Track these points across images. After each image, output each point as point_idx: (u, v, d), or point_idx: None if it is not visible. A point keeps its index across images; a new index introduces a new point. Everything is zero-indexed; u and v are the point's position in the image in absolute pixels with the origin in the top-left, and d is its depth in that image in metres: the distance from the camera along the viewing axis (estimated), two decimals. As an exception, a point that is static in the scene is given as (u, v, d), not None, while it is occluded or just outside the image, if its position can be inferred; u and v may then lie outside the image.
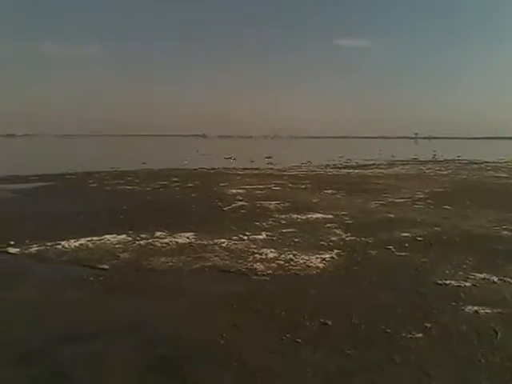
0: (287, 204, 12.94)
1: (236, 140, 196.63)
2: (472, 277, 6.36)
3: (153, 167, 28.02)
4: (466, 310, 5.20)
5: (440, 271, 6.63)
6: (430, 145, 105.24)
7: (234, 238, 8.59)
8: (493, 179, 21.00)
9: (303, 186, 17.71)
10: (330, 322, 4.79)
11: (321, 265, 6.90)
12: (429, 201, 13.73)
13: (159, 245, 8.08)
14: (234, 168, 28.17)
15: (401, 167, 30.11)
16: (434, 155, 43.54)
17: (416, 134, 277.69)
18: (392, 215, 11.19)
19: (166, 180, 19.45)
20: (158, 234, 8.93)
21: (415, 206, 12.89)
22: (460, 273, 6.56)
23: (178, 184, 18.13)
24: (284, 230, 9.34)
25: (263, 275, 6.41)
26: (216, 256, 7.35)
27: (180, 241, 8.35)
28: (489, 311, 5.13)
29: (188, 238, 8.61)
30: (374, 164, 33.53)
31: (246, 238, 8.64)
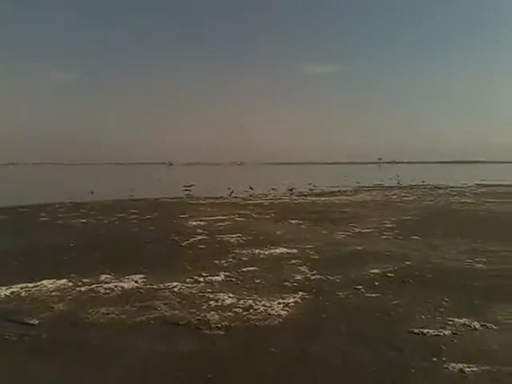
0: (250, 237, 12.17)
1: (203, 167, 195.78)
2: (451, 323, 5.70)
3: (111, 197, 26.89)
4: (450, 368, 4.50)
5: (415, 317, 5.95)
6: (394, 169, 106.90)
7: (189, 280, 7.75)
8: (459, 205, 20.81)
9: (267, 216, 17.01)
10: (292, 394, 3.99)
11: (284, 312, 6.13)
12: (397, 231, 13.21)
13: (102, 291, 7.15)
14: (198, 197, 27.30)
15: (366, 194, 29.86)
16: (399, 181, 43.70)
17: (379, 159, 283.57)
18: (360, 248, 10.56)
19: (123, 212, 18.44)
20: (103, 277, 8.01)
21: (383, 236, 12.33)
22: (437, 318, 5.90)
23: (135, 216, 17.15)
24: (244, 269, 8.55)
25: (217, 328, 5.58)
26: (165, 304, 6.48)
27: (127, 285, 7.44)
28: (475, 369, 4.45)
29: (136, 281, 7.71)
30: (339, 191, 33.22)
31: (201, 279, 7.81)
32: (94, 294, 7.03)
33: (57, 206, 21.91)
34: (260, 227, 14.06)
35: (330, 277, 7.93)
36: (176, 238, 12.05)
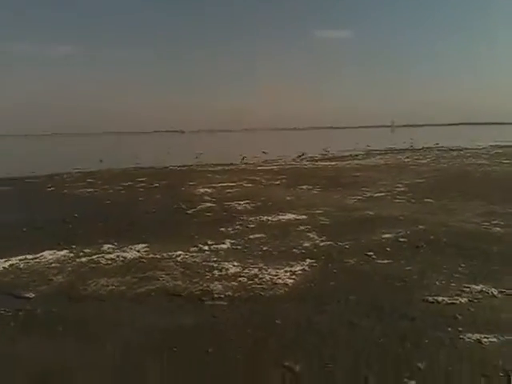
0: (258, 203, 11.86)
1: (215, 134, 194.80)
2: (467, 289, 5.37)
3: (120, 166, 26.71)
4: (466, 338, 4.19)
5: (429, 283, 5.64)
6: (407, 132, 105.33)
7: (193, 249, 7.48)
8: (475, 167, 20.24)
9: (277, 182, 16.65)
10: (297, 369, 3.72)
11: (290, 281, 5.84)
12: (410, 194, 12.79)
13: (103, 262, 6.91)
14: (207, 164, 26.97)
15: (379, 157, 29.28)
16: (412, 144, 42.88)
17: (392, 122, 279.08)
18: (371, 212, 10.20)
19: (131, 180, 18.20)
20: (105, 247, 7.77)
21: (396, 200, 11.94)
22: (453, 284, 5.57)
23: (143, 185, 16.90)
24: (251, 237, 8.26)
25: (220, 299, 5.32)
26: (167, 274, 6.23)
27: (129, 255, 7.20)
28: (494, 339, 4.13)
29: (139, 251, 7.46)
30: (350, 155, 32.64)
31: (206, 248, 7.54)
32: (94, 265, 6.80)
33: (64, 175, 21.76)
34: (269, 193, 13.72)
35: (339, 243, 7.61)
36: (183, 206, 11.78)
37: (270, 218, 9.79)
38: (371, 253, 6.98)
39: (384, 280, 5.81)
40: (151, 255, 7.20)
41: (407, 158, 27.95)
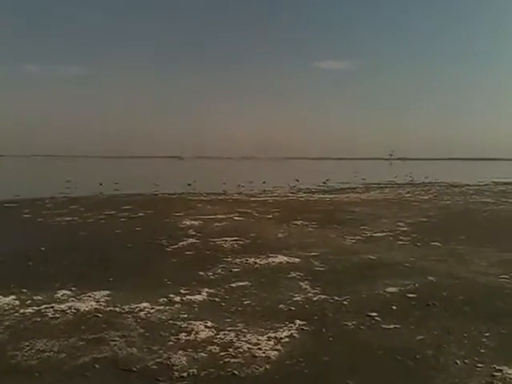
0: (247, 241, 10.71)
1: (213, 161, 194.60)
2: (498, 374, 4.19)
3: (110, 192, 25.63)
4: None
5: (448, 363, 4.46)
6: (405, 166, 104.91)
7: (162, 300, 6.30)
8: (480, 205, 19.15)
9: (270, 216, 15.51)
10: None
11: (273, 353, 4.65)
12: (414, 235, 11.66)
13: (50, 315, 5.72)
14: (199, 193, 25.86)
15: (378, 191, 28.24)
16: (412, 179, 41.96)
17: (390, 154, 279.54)
18: (372, 257, 9.04)
19: (115, 209, 17.04)
20: (60, 293, 6.60)
21: (399, 242, 10.79)
22: (479, 365, 4.40)
23: (126, 214, 15.72)
24: (233, 285, 7.08)
25: (181, 379, 4.12)
26: (123, 337, 5.03)
27: (84, 307, 6.00)
28: None
29: (98, 300, 6.27)
30: (349, 188, 31.66)
31: (178, 299, 6.36)
32: (38, 319, 5.60)
33: (47, 200, 20.59)
34: (260, 229, 12.57)
35: (336, 297, 6.44)
36: (163, 242, 10.61)
37: (257, 261, 8.62)
38: (374, 313, 5.81)
39: (391, 356, 4.61)
40: (110, 308, 6.00)
41: (408, 193, 26.90)
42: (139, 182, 33.80)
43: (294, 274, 7.70)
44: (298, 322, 5.50)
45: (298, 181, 31.76)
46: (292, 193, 26.73)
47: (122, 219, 14.55)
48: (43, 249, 9.76)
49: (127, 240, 10.85)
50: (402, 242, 10.72)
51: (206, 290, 6.79)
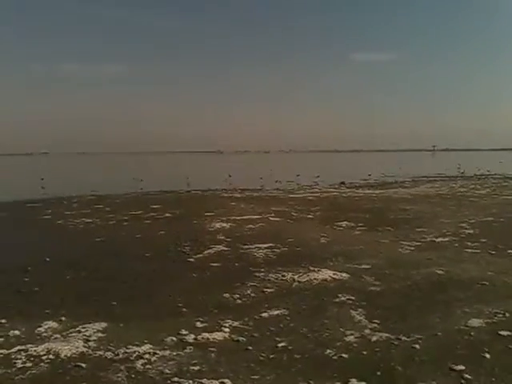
0: (284, 248, 9.11)
1: (252, 155, 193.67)
2: None
3: (144, 190, 24.52)
4: None
5: None
6: (449, 157, 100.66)
7: (170, 339, 4.77)
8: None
9: (310, 216, 13.83)
10: None
11: None
12: (483, 239, 9.75)
13: (19, 364, 4.27)
14: (234, 189, 24.38)
15: (428, 185, 26.01)
16: (462, 171, 39.19)
17: (434, 146, 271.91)
18: (439, 271, 7.27)
19: (142, 209, 15.73)
20: (45, 326, 5.19)
21: (467, 249, 8.93)
22: None
23: (152, 214, 14.38)
24: (266, 314, 5.49)
25: None
26: (103, 409, 3.53)
27: (66, 350, 4.53)
28: None
29: (87, 339, 4.81)
30: (396, 182, 29.51)
31: (191, 338, 4.81)
32: (1, 370, 4.17)
33: (74, 200, 19.55)
34: (299, 232, 10.94)
35: (403, 336, 4.75)
36: (186, 250, 9.14)
37: (296, 277, 6.99)
38: (460, 366, 4.12)
39: None
40: (100, 351, 4.52)
41: (461, 186, 24.57)
42: (175, 178, 32.61)
43: (344, 298, 6.03)
44: (353, 381, 3.86)
45: (344, 183, 29.61)
46: (334, 188, 24.87)
47: (147, 221, 13.19)
48: (48, 259, 8.46)
49: (146, 247, 9.43)
50: (471, 250, 8.85)
51: (230, 322, 5.23)
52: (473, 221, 12.30)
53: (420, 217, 13.12)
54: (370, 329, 5.00)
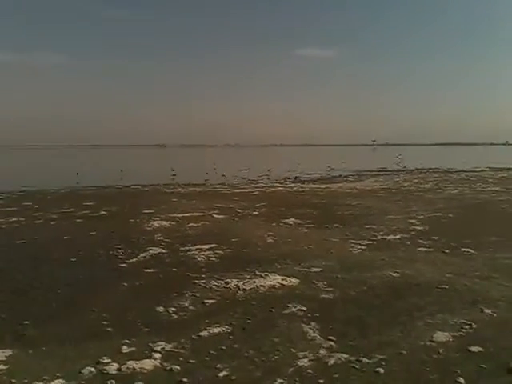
0: (228, 250, 8.35)
1: (197, 149, 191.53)
2: None
3: (80, 185, 23.06)
4: None
5: None
6: (389, 152, 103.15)
7: (88, 371, 3.91)
8: (491, 195, 16.98)
9: (256, 212, 13.14)
10: None
11: None
12: (435, 237, 9.39)
13: None
14: (177, 184, 23.36)
15: (372, 180, 26.00)
16: (404, 165, 39.78)
17: (373, 141, 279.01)
18: (394, 273, 6.75)
19: (74, 206, 14.51)
20: None
21: (421, 248, 8.51)
22: None
23: (85, 212, 13.23)
24: (205, 333, 4.71)
25: None
26: None
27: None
28: None
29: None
30: (340, 176, 29.39)
31: (115, 368, 3.97)
32: None
33: (2, 195, 17.94)
34: (244, 231, 10.21)
35: (364, 358, 4.11)
36: (119, 253, 8.20)
37: (241, 284, 6.25)
38: (433, 394, 3.49)
39: None
40: (-6, 393, 3.59)
41: (405, 181, 24.68)
42: (114, 173, 31.04)
43: (294, 309, 5.35)
44: (310, 423, 3.16)
45: (297, 174, 29.26)
46: (279, 183, 24.33)
47: (78, 220, 12.05)
48: (-45, 268, 7.28)
49: (73, 251, 8.40)
50: (424, 249, 8.43)
51: (162, 344, 4.42)
52: (421, 216, 12.02)
53: (368, 213, 12.72)
54: (326, 348, 4.33)
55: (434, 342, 4.46)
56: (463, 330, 4.71)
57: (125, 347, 4.36)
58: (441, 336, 4.57)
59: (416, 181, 24.46)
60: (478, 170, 34.30)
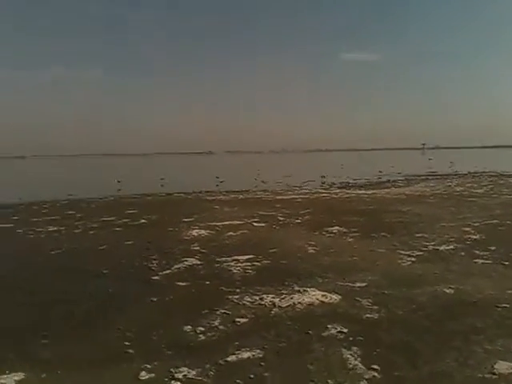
0: (265, 262, 7.88)
1: (244, 155, 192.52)
2: None
3: (125, 193, 23.23)
4: None
5: None
6: (439, 155, 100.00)
7: (98, 403, 3.53)
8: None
9: (298, 220, 12.60)
10: None
11: None
12: (492, 247, 8.58)
13: None
14: (219, 191, 23.13)
15: (422, 184, 24.89)
16: (456, 169, 38.09)
17: (423, 144, 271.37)
18: (448, 290, 6.09)
19: (116, 214, 14.44)
20: None
21: (477, 260, 7.74)
22: None
23: (125, 221, 13.10)
24: (233, 357, 4.27)
25: None
26: None
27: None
28: None
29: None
30: (388, 181, 28.37)
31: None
32: None
33: (47, 204, 18.21)
34: (285, 240, 9.72)
35: (413, 393, 3.53)
36: (153, 264, 7.89)
37: (277, 301, 5.77)
38: None
39: None
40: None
41: (457, 185, 23.47)
42: (156, 181, 31.22)
43: (334, 331, 4.81)
44: None
45: (323, 177, 28.70)
46: (324, 189, 23.67)
47: (117, 228, 11.90)
48: (-15, 280, 7.16)
49: (107, 262, 8.16)
50: (481, 260, 7.67)
51: (185, 371, 4.00)
52: (476, 224, 11.14)
53: (418, 220, 11.93)
54: (368, 380, 3.78)
55: (494, 373, 3.84)
56: (533, 361, 4.05)
57: (143, 373, 3.97)
58: (502, 366, 3.95)
59: (469, 185, 23.21)
60: (536, 173, 32.34)
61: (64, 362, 4.28)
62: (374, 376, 3.84)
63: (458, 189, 21.44)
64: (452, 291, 6.03)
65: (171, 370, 4.02)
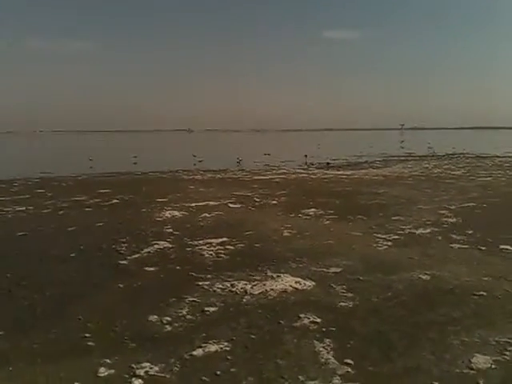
0: (239, 245, 7.65)
1: (221, 134, 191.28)
2: None
3: (98, 171, 22.67)
4: None
5: None
6: (418, 136, 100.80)
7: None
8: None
9: (275, 201, 12.38)
10: None
11: None
12: (469, 231, 8.49)
13: None
14: (197, 170, 22.76)
15: (400, 166, 24.87)
16: (433, 150, 38.21)
17: (402, 124, 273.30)
18: (424, 276, 5.96)
19: (87, 193, 14.02)
20: None
21: (453, 244, 7.63)
22: None
23: (97, 200, 12.70)
24: (199, 351, 4.03)
25: None
26: None
27: None
28: None
29: None
30: (367, 162, 28.30)
31: (84, 398, 3.31)
32: None
33: (18, 182, 17.63)
34: (260, 222, 9.51)
35: (387, 391, 3.36)
36: (122, 247, 7.59)
37: (249, 288, 5.55)
38: None
39: None
40: None
41: (435, 167, 23.50)
42: (126, 158, 30.60)
43: (306, 321, 4.62)
44: None
45: (306, 156, 28.56)
46: (303, 169, 23.48)
47: (88, 209, 11.52)
48: None
49: (74, 244, 7.83)
50: (458, 245, 7.56)
51: (147, 366, 3.76)
52: (453, 207, 11.08)
53: (395, 202, 11.83)
54: (341, 376, 3.60)
55: (472, 368, 3.69)
56: (508, 352, 3.92)
57: (102, 369, 3.71)
58: (480, 361, 3.79)
59: (446, 167, 23.28)
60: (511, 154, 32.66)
61: (18, 356, 3.99)
62: (347, 372, 3.66)
63: (435, 170, 21.46)
64: (428, 277, 5.89)
65: (132, 365, 3.77)
